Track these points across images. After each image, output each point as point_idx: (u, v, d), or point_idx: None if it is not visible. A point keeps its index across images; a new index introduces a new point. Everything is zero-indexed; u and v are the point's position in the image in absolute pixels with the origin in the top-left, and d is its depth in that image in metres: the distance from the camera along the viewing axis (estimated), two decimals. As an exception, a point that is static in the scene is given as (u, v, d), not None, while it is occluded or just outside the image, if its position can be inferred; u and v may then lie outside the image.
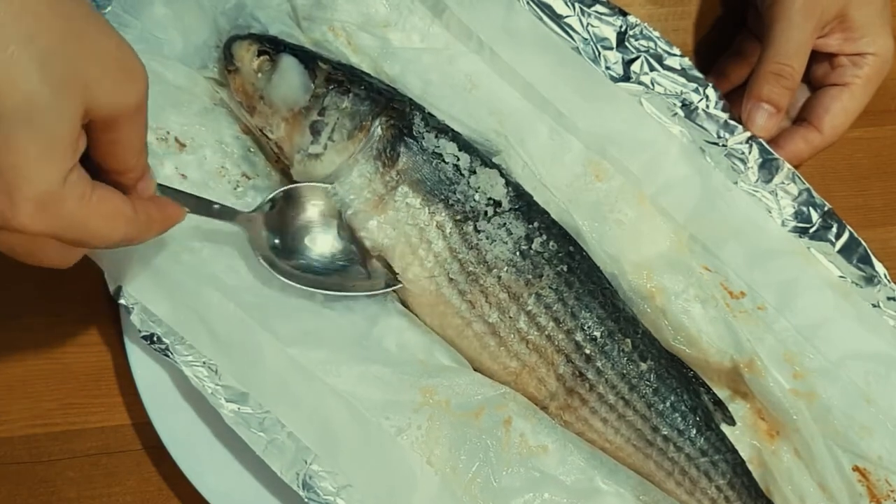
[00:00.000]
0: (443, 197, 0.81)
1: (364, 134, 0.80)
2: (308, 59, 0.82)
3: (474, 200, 0.81)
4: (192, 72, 0.84)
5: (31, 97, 0.53)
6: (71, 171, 0.56)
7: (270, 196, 0.80)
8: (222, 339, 0.77)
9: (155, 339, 0.77)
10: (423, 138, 0.82)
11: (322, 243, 0.82)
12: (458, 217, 0.81)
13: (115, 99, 0.58)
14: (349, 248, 0.82)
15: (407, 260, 0.81)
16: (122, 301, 0.78)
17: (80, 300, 0.88)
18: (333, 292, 0.81)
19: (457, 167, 0.81)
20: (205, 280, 0.79)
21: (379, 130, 0.81)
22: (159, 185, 0.69)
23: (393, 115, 0.82)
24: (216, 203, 0.75)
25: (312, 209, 0.82)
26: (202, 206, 0.74)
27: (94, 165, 0.61)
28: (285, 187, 0.81)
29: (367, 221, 0.80)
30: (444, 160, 0.81)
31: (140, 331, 0.77)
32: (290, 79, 0.81)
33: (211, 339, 0.77)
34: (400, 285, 0.82)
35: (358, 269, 0.82)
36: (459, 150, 0.82)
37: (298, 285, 0.79)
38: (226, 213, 0.76)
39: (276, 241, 0.80)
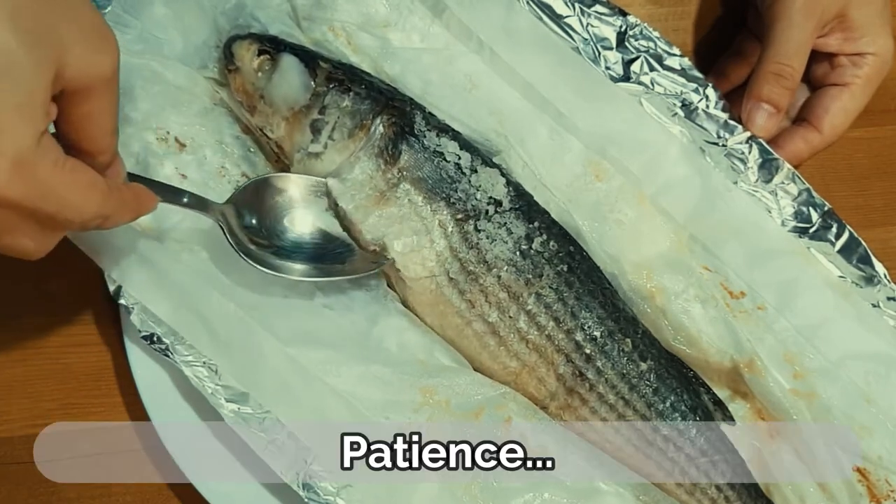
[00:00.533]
0: (444, 195, 0.81)
1: (365, 133, 0.81)
2: (308, 58, 0.83)
3: (475, 199, 0.81)
4: (192, 72, 0.84)
5: (3, 49, 0.52)
6: (43, 135, 0.55)
7: (244, 185, 0.80)
8: (222, 339, 0.78)
9: (155, 338, 0.78)
10: (425, 136, 0.82)
11: (301, 224, 0.81)
12: (460, 216, 0.81)
13: (88, 64, 0.57)
14: (332, 228, 0.82)
15: (409, 257, 0.81)
16: (122, 301, 0.78)
17: (80, 300, 0.88)
18: (319, 278, 0.80)
19: (458, 165, 0.81)
20: (205, 280, 0.79)
21: (381, 128, 0.81)
22: (129, 173, 0.68)
23: (394, 113, 0.82)
24: (187, 193, 0.75)
25: (292, 192, 0.81)
26: (173, 196, 0.74)
27: (63, 147, 0.59)
28: (261, 175, 0.81)
29: (367, 216, 0.80)
30: (445, 158, 0.81)
31: (140, 331, 0.78)
32: (290, 78, 0.81)
33: (211, 338, 0.77)
34: (385, 263, 0.81)
35: (344, 251, 0.82)
36: (460, 149, 0.82)
37: (280, 274, 0.78)
38: (197, 204, 0.75)
39: (254, 221, 0.79)
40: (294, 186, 0.81)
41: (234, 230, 0.77)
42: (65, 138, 0.60)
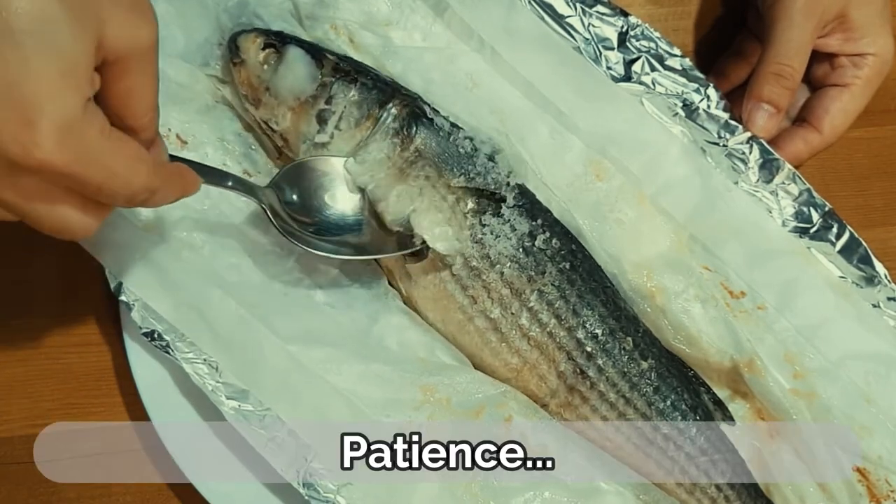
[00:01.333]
0: (461, 172, 0.81)
1: (372, 122, 0.81)
2: (314, 49, 0.83)
3: (489, 180, 0.81)
4: (194, 69, 0.84)
5: (48, 15, 0.52)
6: (88, 102, 0.55)
7: (283, 167, 0.80)
8: (223, 337, 0.78)
9: (155, 335, 0.78)
10: (435, 122, 0.82)
11: (343, 202, 0.81)
12: (470, 204, 0.81)
13: (128, 34, 0.57)
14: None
15: (436, 234, 0.80)
16: (122, 297, 0.78)
17: (80, 300, 0.88)
18: (358, 256, 0.81)
19: (468, 153, 0.82)
20: (206, 277, 0.79)
21: (393, 111, 0.81)
22: (171, 155, 0.67)
23: (405, 99, 0.82)
24: (231, 176, 0.75)
25: (332, 172, 0.81)
26: (216, 178, 0.73)
27: None
28: (301, 159, 0.81)
29: (388, 194, 0.80)
30: (456, 143, 0.82)
31: (140, 328, 0.78)
32: (296, 68, 0.81)
33: (212, 336, 0.78)
34: (422, 245, 0.81)
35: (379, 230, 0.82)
36: (468, 139, 0.83)
37: (321, 253, 0.78)
38: (241, 187, 0.75)
39: (295, 197, 0.79)
40: (333, 167, 0.81)
41: (278, 211, 0.77)
42: (107, 114, 0.59)
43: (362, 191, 0.81)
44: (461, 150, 0.82)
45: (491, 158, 0.83)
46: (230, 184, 0.74)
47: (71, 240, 0.61)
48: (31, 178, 0.55)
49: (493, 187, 0.81)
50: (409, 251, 0.81)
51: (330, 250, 0.79)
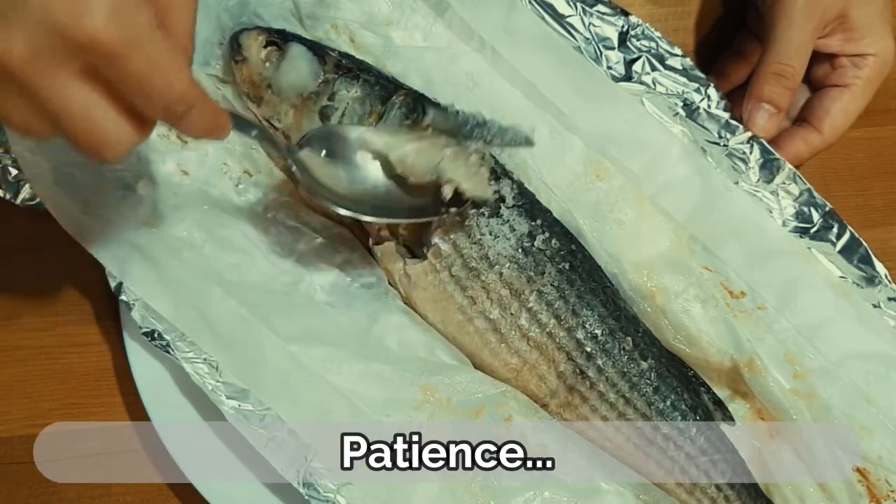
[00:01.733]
0: (480, 136, 0.79)
1: (374, 118, 0.81)
2: (316, 47, 0.83)
3: (513, 131, 0.80)
4: (195, 68, 0.83)
5: None
6: None
7: (311, 131, 0.78)
8: (223, 336, 0.78)
9: (156, 335, 0.78)
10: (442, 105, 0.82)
11: (374, 166, 0.79)
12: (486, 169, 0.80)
13: None
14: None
15: (468, 179, 0.78)
16: (122, 297, 0.78)
17: (80, 300, 0.88)
18: (384, 219, 0.80)
19: (480, 119, 0.80)
20: (206, 276, 0.79)
21: (400, 98, 0.81)
22: None
23: (408, 91, 0.83)
24: (256, 127, 0.72)
25: (357, 138, 0.79)
26: (244, 127, 0.71)
27: None
28: (328, 125, 0.80)
29: (409, 153, 0.78)
30: (466, 115, 0.80)
31: (141, 327, 0.78)
32: (299, 65, 0.81)
33: (212, 335, 0.78)
34: (445, 214, 0.79)
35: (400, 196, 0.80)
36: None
37: (345, 212, 0.76)
38: (267, 140, 0.74)
39: (324, 153, 0.77)
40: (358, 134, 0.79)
41: (305, 167, 0.76)
42: None
43: (382, 159, 0.79)
44: (473, 119, 0.79)
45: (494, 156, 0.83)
46: (256, 134, 0.72)
47: (103, 159, 0.57)
48: (74, 62, 0.53)
49: (513, 144, 0.79)
50: (442, 212, 0.79)
51: (354, 210, 0.77)
